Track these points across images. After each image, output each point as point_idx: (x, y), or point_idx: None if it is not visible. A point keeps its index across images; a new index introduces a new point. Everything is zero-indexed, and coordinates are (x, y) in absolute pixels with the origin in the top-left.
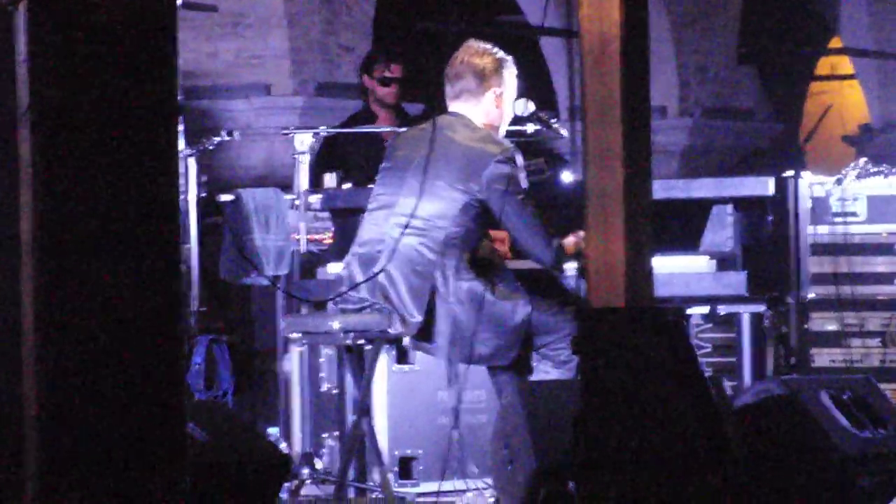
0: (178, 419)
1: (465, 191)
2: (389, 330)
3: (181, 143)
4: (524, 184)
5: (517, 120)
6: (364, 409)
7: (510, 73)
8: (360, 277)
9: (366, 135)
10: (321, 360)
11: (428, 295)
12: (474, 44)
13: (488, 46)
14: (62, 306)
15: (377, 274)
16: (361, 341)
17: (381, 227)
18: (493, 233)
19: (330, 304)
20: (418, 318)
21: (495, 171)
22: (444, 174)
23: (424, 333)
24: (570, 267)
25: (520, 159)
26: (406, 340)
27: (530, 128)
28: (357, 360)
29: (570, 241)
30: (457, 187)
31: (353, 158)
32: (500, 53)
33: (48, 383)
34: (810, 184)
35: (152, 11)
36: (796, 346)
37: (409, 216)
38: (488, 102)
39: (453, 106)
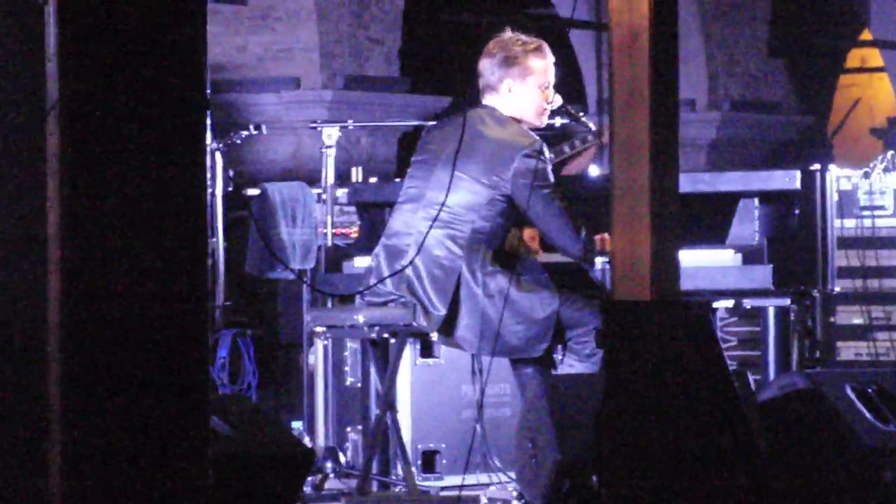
0: (202, 413)
1: (491, 185)
2: (414, 324)
3: (209, 138)
4: (552, 177)
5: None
6: (388, 403)
7: (538, 60)
8: (386, 270)
9: None
10: (346, 353)
11: (452, 289)
12: (500, 35)
13: (509, 37)
14: (88, 300)
15: (405, 268)
16: (386, 335)
17: (409, 219)
18: (526, 231)
19: (356, 298)
20: (442, 311)
21: (522, 166)
22: (472, 168)
23: (450, 327)
24: (601, 260)
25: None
26: (434, 336)
27: (558, 121)
28: (381, 354)
29: (596, 238)
30: (483, 181)
31: None
32: (520, 43)
33: (73, 376)
34: (837, 177)
35: (182, 5)
36: (822, 339)
37: (437, 209)
38: (506, 94)
39: (484, 100)
